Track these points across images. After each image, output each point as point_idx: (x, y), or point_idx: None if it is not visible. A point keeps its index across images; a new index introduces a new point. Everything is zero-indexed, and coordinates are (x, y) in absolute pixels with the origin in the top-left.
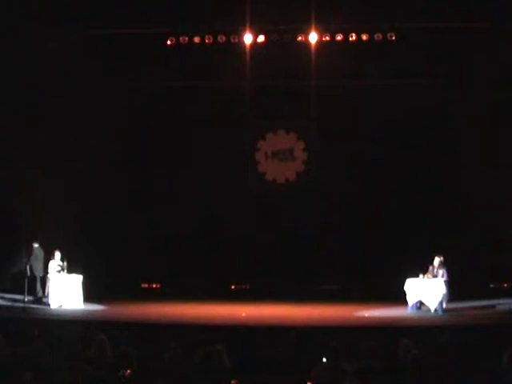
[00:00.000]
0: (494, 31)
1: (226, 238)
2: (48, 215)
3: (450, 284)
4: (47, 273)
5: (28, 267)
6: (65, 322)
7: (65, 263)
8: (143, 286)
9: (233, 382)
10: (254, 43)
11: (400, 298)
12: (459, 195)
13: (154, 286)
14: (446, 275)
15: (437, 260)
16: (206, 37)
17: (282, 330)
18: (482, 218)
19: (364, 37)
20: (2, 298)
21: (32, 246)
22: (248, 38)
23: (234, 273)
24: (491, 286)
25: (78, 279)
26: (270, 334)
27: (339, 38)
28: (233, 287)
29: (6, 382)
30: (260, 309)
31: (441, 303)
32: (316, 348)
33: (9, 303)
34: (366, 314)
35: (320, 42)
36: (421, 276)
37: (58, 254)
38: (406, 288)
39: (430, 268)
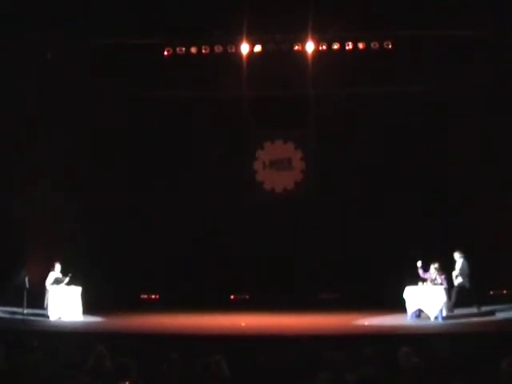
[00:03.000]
0: (491, 39)
1: (225, 248)
2: (45, 229)
3: (449, 291)
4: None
5: (26, 279)
6: (64, 334)
7: (67, 278)
8: (142, 296)
9: None
10: (251, 53)
11: (399, 306)
12: (459, 202)
13: (154, 296)
14: (445, 282)
15: (432, 268)
16: (203, 47)
17: (281, 340)
18: (481, 223)
19: (361, 45)
20: (2, 310)
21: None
22: (245, 48)
23: (234, 283)
24: (491, 292)
25: (76, 291)
26: (269, 343)
27: (336, 46)
28: (232, 297)
29: None
30: (259, 319)
31: (441, 311)
32: (316, 357)
33: (8, 315)
34: (366, 323)
35: (317, 51)
36: (420, 284)
37: (58, 266)
38: (405, 296)
39: (428, 275)
